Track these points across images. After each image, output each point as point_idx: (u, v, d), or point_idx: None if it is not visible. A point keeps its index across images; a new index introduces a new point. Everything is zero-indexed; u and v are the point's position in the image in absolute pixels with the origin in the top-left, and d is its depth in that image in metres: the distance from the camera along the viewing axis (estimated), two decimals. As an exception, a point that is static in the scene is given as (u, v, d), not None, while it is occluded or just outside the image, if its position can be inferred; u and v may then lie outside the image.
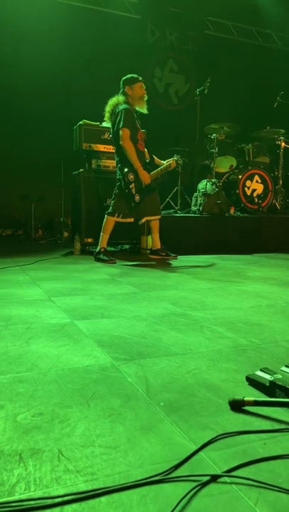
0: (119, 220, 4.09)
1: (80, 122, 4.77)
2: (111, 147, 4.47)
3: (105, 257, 4.01)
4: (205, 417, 1.07)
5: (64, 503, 0.75)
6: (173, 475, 0.83)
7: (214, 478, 0.82)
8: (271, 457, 0.90)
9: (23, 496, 0.77)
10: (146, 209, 4.12)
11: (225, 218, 5.46)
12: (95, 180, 4.75)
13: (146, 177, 3.98)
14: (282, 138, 6.16)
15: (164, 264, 3.97)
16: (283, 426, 1.03)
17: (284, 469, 0.86)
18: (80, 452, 0.90)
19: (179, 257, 4.41)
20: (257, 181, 5.84)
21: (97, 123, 4.77)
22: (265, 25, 8.33)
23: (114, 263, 3.93)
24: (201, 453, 0.91)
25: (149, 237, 4.52)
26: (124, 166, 3.99)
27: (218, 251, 5.00)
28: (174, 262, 4.12)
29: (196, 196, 5.65)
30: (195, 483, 0.80)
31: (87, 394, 1.18)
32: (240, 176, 5.76)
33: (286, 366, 1.34)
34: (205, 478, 0.82)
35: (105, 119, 4.11)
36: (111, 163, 4.74)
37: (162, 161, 4.16)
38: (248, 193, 5.80)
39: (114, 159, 4.21)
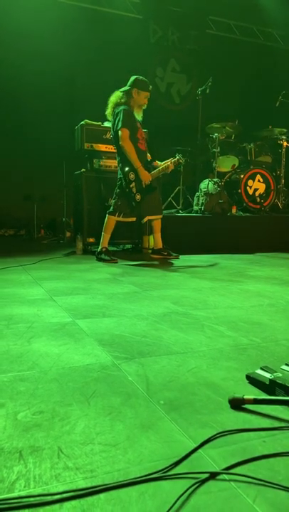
0: (120, 219, 4.09)
1: (82, 122, 4.77)
2: (112, 147, 4.47)
3: (107, 257, 4.02)
4: (205, 415, 1.07)
5: (63, 500, 0.75)
6: (172, 472, 0.84)
7: (213, 476, 0.83)
8: (270, 455, 0.90)
9: (22, 493, 0.77)
10: (147, 208, 4.12)
11: (227, 218, 5.46)
12: (96, 180, 4.75)
13: (146, 176, 3.98)
14: (284, 137, 6.14)
15: (165, 264, 3.97)
16: (283, 424, 1.03)
17: (283, 467, 0.87)
18: (79, 450, 0.91)
19: (180, 256, 4.41)
20: (259, 181, 5.83)
21: (99, 123, 4.78)
22: (267, 24, 8.30)
23: (116, 262, 3.94)
24: (200, 451, 0.91)
25: (151, 237, 4.52)
26: (125, 166, 3.99)
27: (219, 250, 5.00)
28: (175, 262, 4.12)
29: (198, 196, 5.64)
30: (194, 481, 0.81)
31: (87, 392, 1.18)
32: (242, 176, 5.75)
33: (286, 365, 1.34)
34: (204, 476, 0.82)
35: (107, 113, 4.10)
36: (113, 163, 4.74)
37: (159, 162, 4.15)
38: (250, 192, 5.79)
39: (115, 159, 4.21)
